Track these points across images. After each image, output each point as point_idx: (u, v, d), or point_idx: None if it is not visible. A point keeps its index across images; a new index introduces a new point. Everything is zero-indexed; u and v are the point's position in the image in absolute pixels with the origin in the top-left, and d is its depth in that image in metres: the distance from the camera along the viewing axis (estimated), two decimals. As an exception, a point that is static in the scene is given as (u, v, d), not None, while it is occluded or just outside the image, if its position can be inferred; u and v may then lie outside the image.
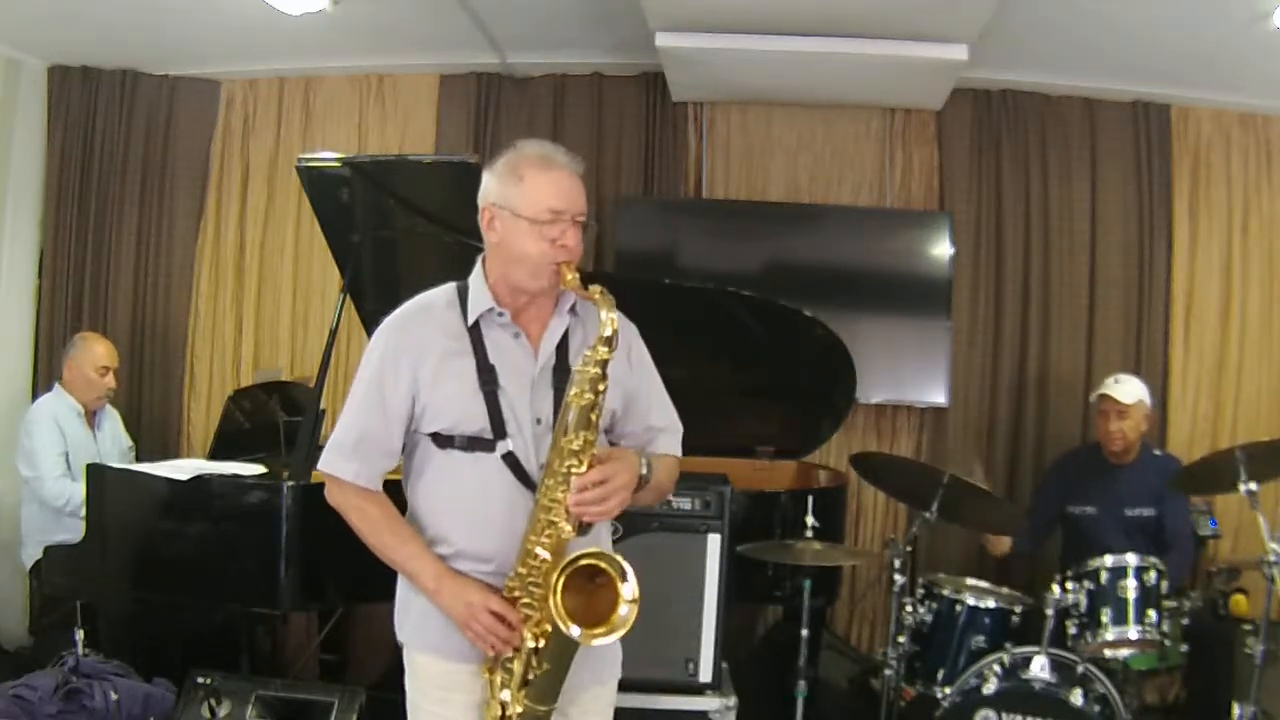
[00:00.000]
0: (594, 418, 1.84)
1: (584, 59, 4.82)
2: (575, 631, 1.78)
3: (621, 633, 1.81)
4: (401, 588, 2.03)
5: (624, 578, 1.81)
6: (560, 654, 1.85)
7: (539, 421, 1.92)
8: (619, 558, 1.83)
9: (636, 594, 1.80)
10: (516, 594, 1.87)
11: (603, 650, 1.98)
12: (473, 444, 1.92)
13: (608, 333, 1.84)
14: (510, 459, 1.91)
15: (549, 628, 1.83)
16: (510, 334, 1.96)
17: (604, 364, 1.84)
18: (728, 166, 4.93)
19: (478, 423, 1.91)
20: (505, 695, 1.88)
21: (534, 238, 1.88)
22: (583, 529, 1.85)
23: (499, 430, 1.91)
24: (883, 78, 4.33)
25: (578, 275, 1.89)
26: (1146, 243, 4.66)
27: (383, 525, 1.97)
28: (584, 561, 1.82)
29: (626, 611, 1.80)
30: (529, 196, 1.89)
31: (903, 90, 4.57)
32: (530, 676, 1.86)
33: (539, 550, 1.85)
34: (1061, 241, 4.70)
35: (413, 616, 2.00)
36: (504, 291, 1.96)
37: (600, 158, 4.87)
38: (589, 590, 1.84)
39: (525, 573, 1.86)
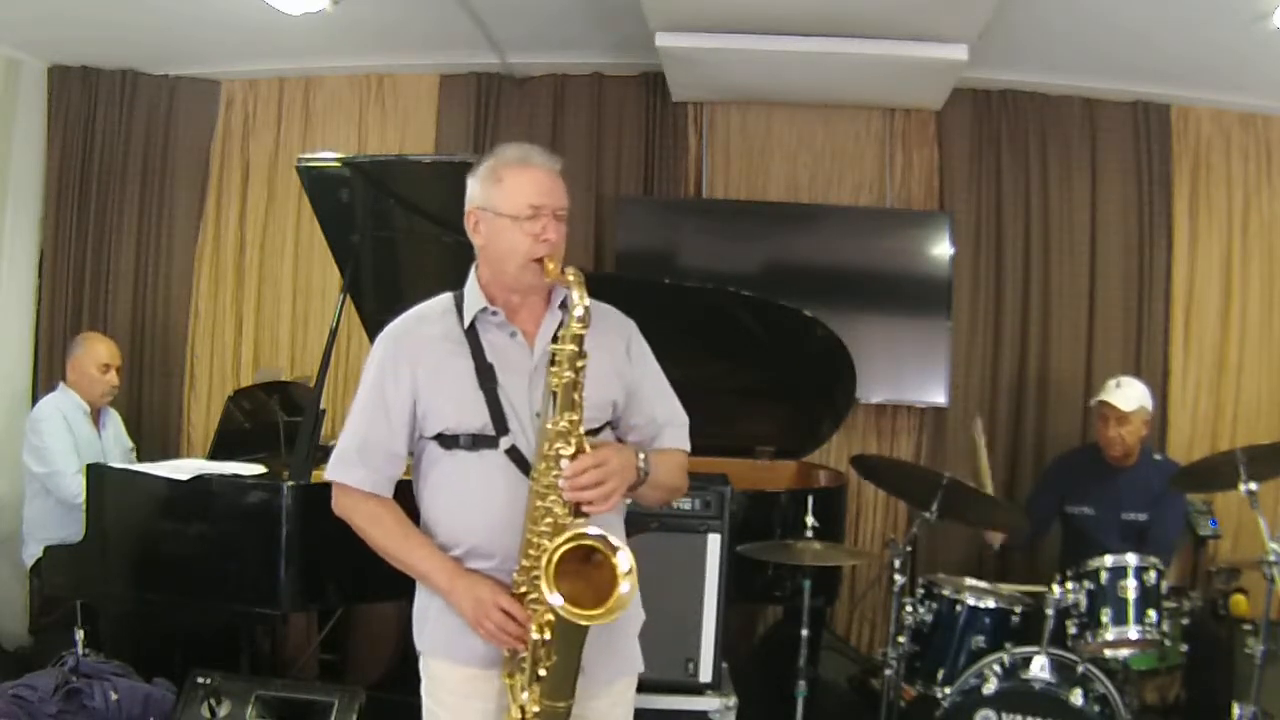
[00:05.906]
0: (577, 398, 1.85)
1: (584, 59, 4.82)
2: (556, 600, 1.75)
3: (619, 613, 1.77)
4: (420, 595, 2.03)
5: (615, 552, 1.79)
6: (567, 642, 1.83)
7: (539, 415, 1.92)
8: (609, 535, 1.80)
9: (632, 565, 1.78)
10: (523, 589, 1.87)
11: (621, 642, 1.99)
12: (476, 442, 1.93)
13: (579, 312, 1.86)
14: (514, 453, 1.93)
15: (552, 617, 1.81)
16: (506, 333, 1.99)
17: (579, 339, 1.85)
18: (728, 166, 4.92)
19: (479, 419, 1.93)
20: (524, 697, 1.86)
21: (516, 234, 1.93)
22: (578, 513, 1.84)
23: (500, 426, 1.93)
24: (883, 78, 4.33)
25: (559, 265, 1.92)
26: (1146, 243, 4.66)
27: (392, 529, 1.98)
28: (573, 544, 1.79)
29: (626, 588, 1.77)
30: (509, 195, 1.94)
31: (903, 90, 4.57)
32: (541, 671, 1.84)
33: (540, 540, 1.84)
34: (1061, 241, 4.70)
35: (430, 624, 1.99)
36: (496, 292, 2.00)
37: (600, 158, 4.87)
38: (587, 572, 1.82)
39: (529, 565, 1.85)
